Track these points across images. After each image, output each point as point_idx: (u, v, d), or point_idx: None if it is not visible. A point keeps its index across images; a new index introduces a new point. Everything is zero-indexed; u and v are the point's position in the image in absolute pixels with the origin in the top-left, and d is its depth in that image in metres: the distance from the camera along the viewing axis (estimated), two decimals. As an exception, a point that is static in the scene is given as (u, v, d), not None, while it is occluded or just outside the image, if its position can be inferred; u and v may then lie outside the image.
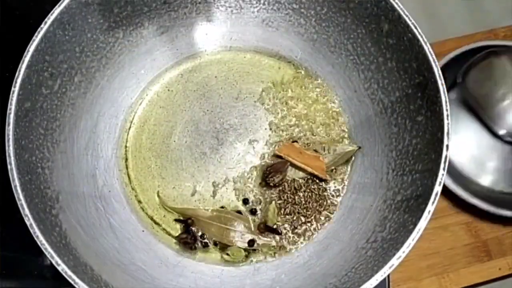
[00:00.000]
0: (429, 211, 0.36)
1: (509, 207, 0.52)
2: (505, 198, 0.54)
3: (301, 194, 0.46)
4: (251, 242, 0.44)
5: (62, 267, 0.34)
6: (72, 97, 0.44)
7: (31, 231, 0.34)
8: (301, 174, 0.46)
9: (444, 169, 0.36)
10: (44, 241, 0.34)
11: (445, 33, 0.64)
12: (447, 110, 0.38)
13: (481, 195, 0.53)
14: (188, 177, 0.47)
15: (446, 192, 0.53)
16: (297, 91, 0.50)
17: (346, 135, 0.48)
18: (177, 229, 0.45)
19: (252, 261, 0.44)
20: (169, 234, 0.45)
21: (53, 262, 0.34)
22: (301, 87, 0.50)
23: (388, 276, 0.36)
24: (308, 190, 0.46)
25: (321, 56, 0.50)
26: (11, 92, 0.37)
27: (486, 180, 0.55)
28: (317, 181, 0.46)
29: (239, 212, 0.45)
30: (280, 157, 0.46)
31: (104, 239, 0.42)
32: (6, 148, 0.36)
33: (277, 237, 0.44)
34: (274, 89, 0.50)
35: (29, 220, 0.35)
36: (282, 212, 0.45)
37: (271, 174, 0.45)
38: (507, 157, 0.55)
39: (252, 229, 0.44)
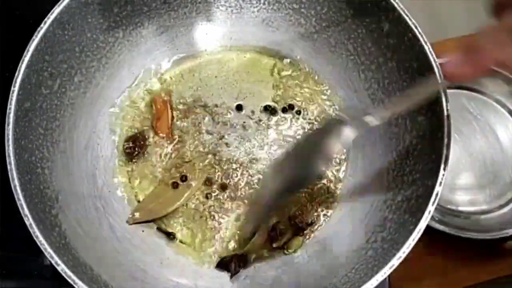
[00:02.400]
0: (430, 212, 0.36)
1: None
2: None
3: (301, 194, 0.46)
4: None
5: (61, 267, 0.34)
6: (72, 97, 0.44)
7: (31, 231, 0.34)
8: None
9: (444, 169, 0.36)
10: (43, 241, 0.34)
11: (445, 33, 0.63)
12: (447, 110, 0.37)
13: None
14: (188, 177, 0.47)
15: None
16: (297, 91, 0.50)
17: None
18: (177, 230, 0.45)
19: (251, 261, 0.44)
20: (169, 235, 0.45)
21: (53, 262, 0.34)
22: (301, 87, 0.50)
23: (389, 276, 0.36)
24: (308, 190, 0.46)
25: (321, 56, 0.50)
26: (11, 92, 0.37)
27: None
28: (318, 181, 0.46)
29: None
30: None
31: (104, 239, 0.42)
32: (6, 148, 0.36)
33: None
34: (274, 89, 0.50)
35: (28, 220, 0.35)
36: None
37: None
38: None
39: None
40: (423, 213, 0.36)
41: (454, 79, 0.31)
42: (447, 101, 0.38)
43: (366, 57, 0.46)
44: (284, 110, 0.49)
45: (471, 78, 0.31)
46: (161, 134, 0.48)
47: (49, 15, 0.40)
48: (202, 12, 0.50)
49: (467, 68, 0.30)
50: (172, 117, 0.48)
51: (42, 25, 0.39)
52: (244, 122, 0.49)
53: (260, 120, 0.49)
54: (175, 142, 0.48)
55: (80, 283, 0.34)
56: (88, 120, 0.46)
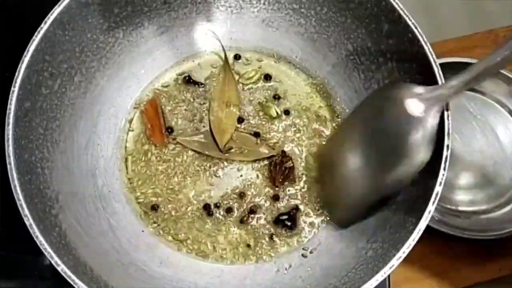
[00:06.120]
0: (430, 212, 0.36)
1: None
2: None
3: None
4: None
5: (61, 267, 0.34)
6: (72, 97, 0.44)
7: (31, 231, 0.34)
8: None
9: (444, 169, 0.36)
10: (43, 241, 0.34)
11: (445, 33, 0.64)
12: (447, 110, 0.37)
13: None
14: (188, 177, 0.47)
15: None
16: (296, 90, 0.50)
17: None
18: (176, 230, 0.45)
19: (252, 260, 0.44)
20: (169, 234, 0.45)
21: (53, 262, 0.34)
22: (300, 87, 0.50)
23: (388, 276, 0.36)
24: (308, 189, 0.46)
25: (321, 56, 0.50)
26: (11, 92, 0.37)
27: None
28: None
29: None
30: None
31: (104, 239, 0.42)
32: (6, 148, 0.36)
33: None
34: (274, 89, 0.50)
35: (28, 220, 0.35)
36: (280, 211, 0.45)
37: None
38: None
39: None
40: (423, 213, 0.36)
41: None
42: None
43: (365, 57, 0.46)
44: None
45: None
46: (156, 141, 0.48)
47: (49, 15, 0.40)
48: (202, 12, 0.50)
49: None
50: (164, 123, 0.48)
51: (42, 25, 0.39)
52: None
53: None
54: (172, 145, 0.48)
55: (80, 283, 0.34)
56: (88, 120, 0.46)
